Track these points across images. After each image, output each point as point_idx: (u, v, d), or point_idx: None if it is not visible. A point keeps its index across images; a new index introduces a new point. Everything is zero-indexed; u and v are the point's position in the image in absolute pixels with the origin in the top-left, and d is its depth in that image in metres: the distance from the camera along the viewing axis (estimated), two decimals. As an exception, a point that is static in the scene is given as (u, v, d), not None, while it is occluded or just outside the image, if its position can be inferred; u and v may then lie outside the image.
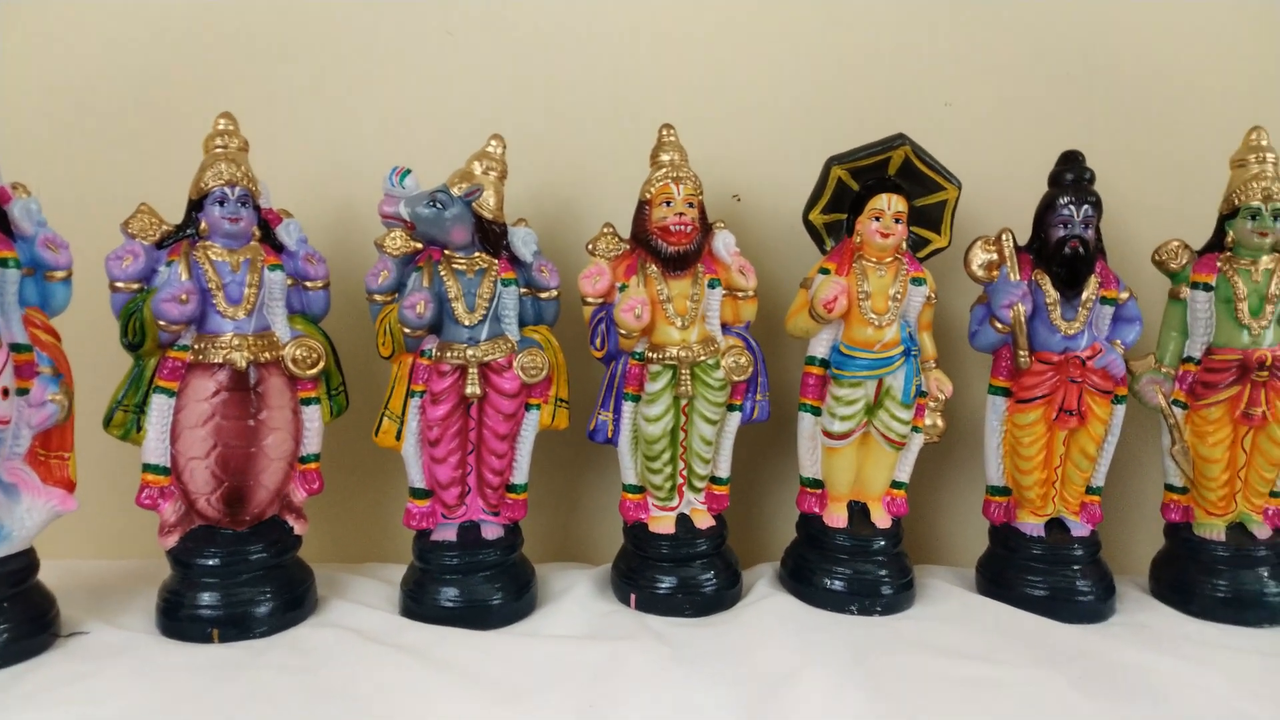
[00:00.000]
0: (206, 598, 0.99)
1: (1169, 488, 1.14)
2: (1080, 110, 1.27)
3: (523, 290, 1.08)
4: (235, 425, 1.01)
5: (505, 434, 1.06)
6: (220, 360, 0.99)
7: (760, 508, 1.33)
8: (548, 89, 1.28)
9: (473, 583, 1.04)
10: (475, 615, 1.02)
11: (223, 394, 1.00)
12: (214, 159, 1.03)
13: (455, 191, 1.05)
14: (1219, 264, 1.09)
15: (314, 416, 1.06)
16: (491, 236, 1.06)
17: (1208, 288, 1.08)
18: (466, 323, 1.04)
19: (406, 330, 1.04)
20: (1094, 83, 1.27)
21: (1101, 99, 1.27)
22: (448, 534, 1.06)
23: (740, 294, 1.12)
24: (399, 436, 1.05)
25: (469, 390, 1.03)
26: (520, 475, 1.09)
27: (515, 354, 1.05)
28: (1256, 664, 0.95)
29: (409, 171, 1.06)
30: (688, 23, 1.28)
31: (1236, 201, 1.08)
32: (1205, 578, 1.09)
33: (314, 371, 1.04)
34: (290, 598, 1.03)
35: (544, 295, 1.10)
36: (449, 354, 1.04)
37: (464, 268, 1.05)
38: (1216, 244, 1.11)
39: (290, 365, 1.03)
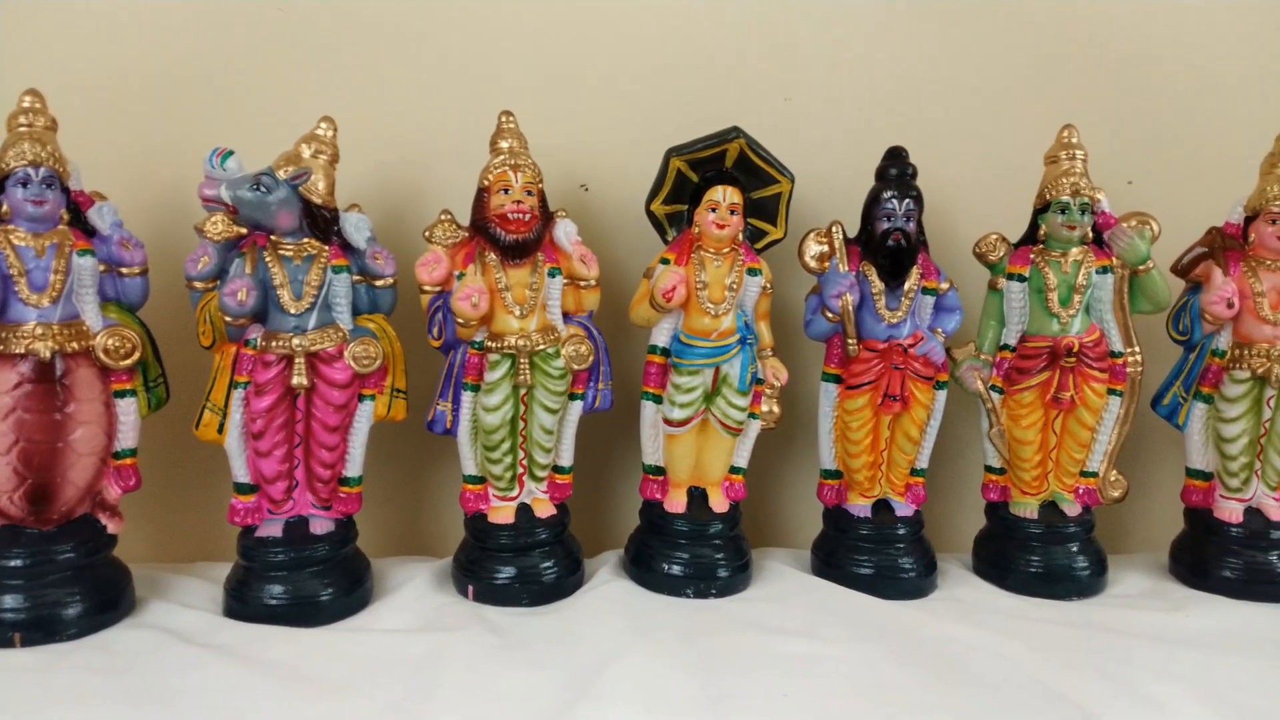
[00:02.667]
0: (9, 600, 0.94)
1: (988, 469, 1.20)
2: (909, 106, 1.32)
3: (356, 278, 1.06)
4: (39, 419, 0.95)
5: (336, 426, 1.04)
6: (22, 350, 0.94)
7: (611, 495, 1.34)
8: (389, 72, 1.25)
9: (300, 579, 1.01)
10: (303, 612, 1.00)
11: (25, 386, 0.95)
12: (17, 138, 0.97)
13: (281, 175, 1.01)
14: (1032, 256, 1.15)
15: (129, 410, 1.01)
16: (321, 222, 1.03)
17: (1021, 279, 1.14)
18: (293, 311, 1.01)
19: (227, 319, 1.00)
20: (923, 79, 1.32)
21: (930, 96, 1.32)
22: (273, 530, 1.03)
23: (582, 283, 1.13)
24: (221, 430, 1.01)
25: (295, 381, 1.00)
26: (354, 468, 1.06)
27: (347, 343, 1.03)
28: (1060, 634, 1.01)
29: (231, 153, 1.02)
30: (534, 10, 1.28)
31: (1048, 196, 1.13)
32: (1020, 554, 1.16)
33: (128, 362, 0.99)
34: (102, 599, 0.98)
35: (379, 283, 1.07)
36: (274, 343, 1.00)
37: (291, 254, 1.02)
38: (1031, 237, 1.16)
39: (102, 356, 0.98)
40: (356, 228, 1.05)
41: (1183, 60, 1.34)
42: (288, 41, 1.22)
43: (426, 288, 1.07)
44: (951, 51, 1.32)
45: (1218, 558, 1.16)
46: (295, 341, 1.00)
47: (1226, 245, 1.16)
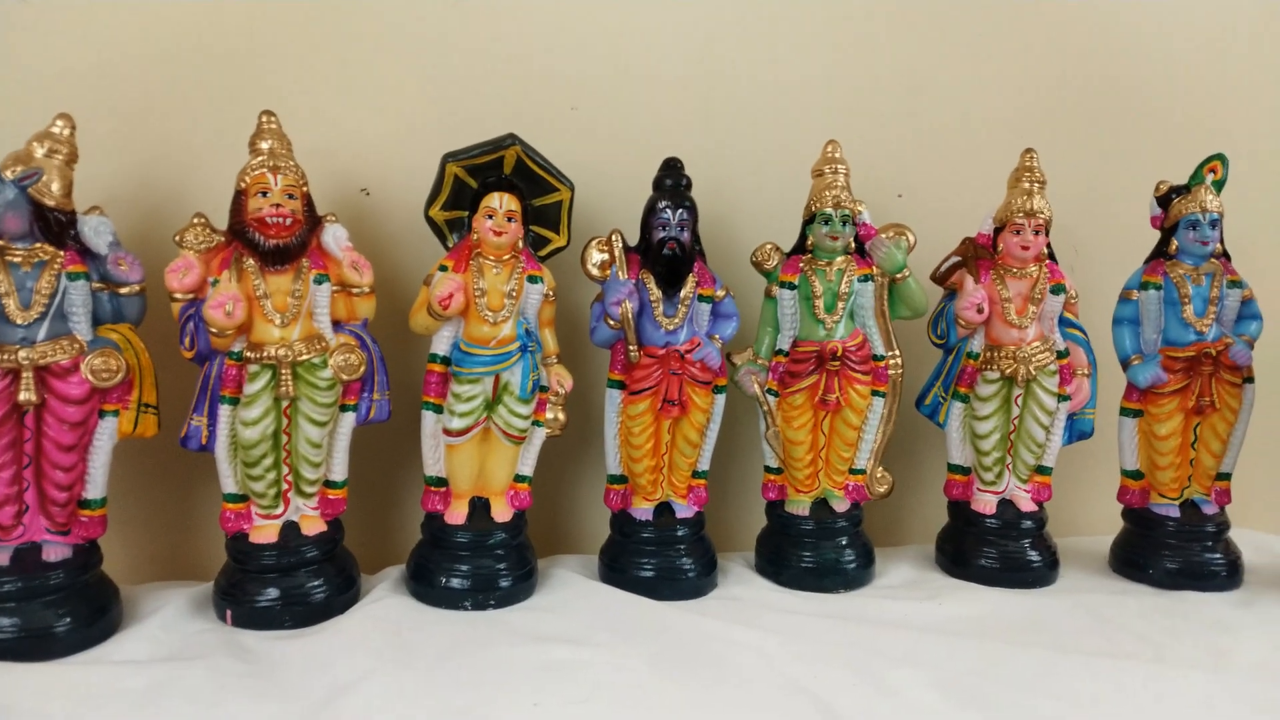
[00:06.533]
0: None
1: (767, 469, 1.24)
2: (694, 117, 1.35)
3: (97, 285, 0.99)
4: None
5: (72, 445, 0.96)
6: None
7: (397, 508, 1.31)
8: (147, 65, 1.18)
9: (31, 610, 0.93)
10: (35, 646, 0.92)
11: None
12: None
13: (8, 175, 0.94)
14: (801, 265, 1.19)
15: None
16: (54, 225, 0.96)
17: (791, 286, 1.19)
18: (19, 321, 0.93)
19: (-57, 331, 0.92)
20: (707, 91, 1.36)
21: (714, 106, 1.36)
22: (0, 558, 0.95)
23: (355, 290, 1.09)
24: (-63, 452, 0.93)
25: (22, 397, 0.93)
26: (95, 489, 0.99)
27: (84, 355, 0.96)
28: (818, 627, 1.05)
29: (-51, 151, 0.94)
30: (313, 10, 1.23)
31: (814, 208, 1.19)
32: (794, 550, 1.20)
33: None
34: None
35: (124, 291, 1.01)
36: (-2, 357, 0.93)
37: (19, 260, 0.94)
38: (800, 247, 1.21)
39: None
40: (96, 231, 0.99)
41: (943, 83, 1.43)
42: (31, 32, 1.13)
43: (177, 295, 1.01)
44: (734, 64, 1.36)
45: (975, 547, 1.24)
46: (22, 354, 0.93)
47: (978, 254, 1.24)
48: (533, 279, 1.13)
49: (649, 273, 1.15)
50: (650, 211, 1.15)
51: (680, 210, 1.14)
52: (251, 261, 1.02)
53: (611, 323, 1.14)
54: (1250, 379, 1.25)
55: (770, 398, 1.21)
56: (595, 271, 1.16)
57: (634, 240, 1.18)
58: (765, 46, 1.37)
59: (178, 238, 1.02)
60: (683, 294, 1.15)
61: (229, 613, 1.02)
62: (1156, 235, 1.28)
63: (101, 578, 1.01)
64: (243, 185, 1.03)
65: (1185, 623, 1.11)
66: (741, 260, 1.26)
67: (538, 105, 1.30)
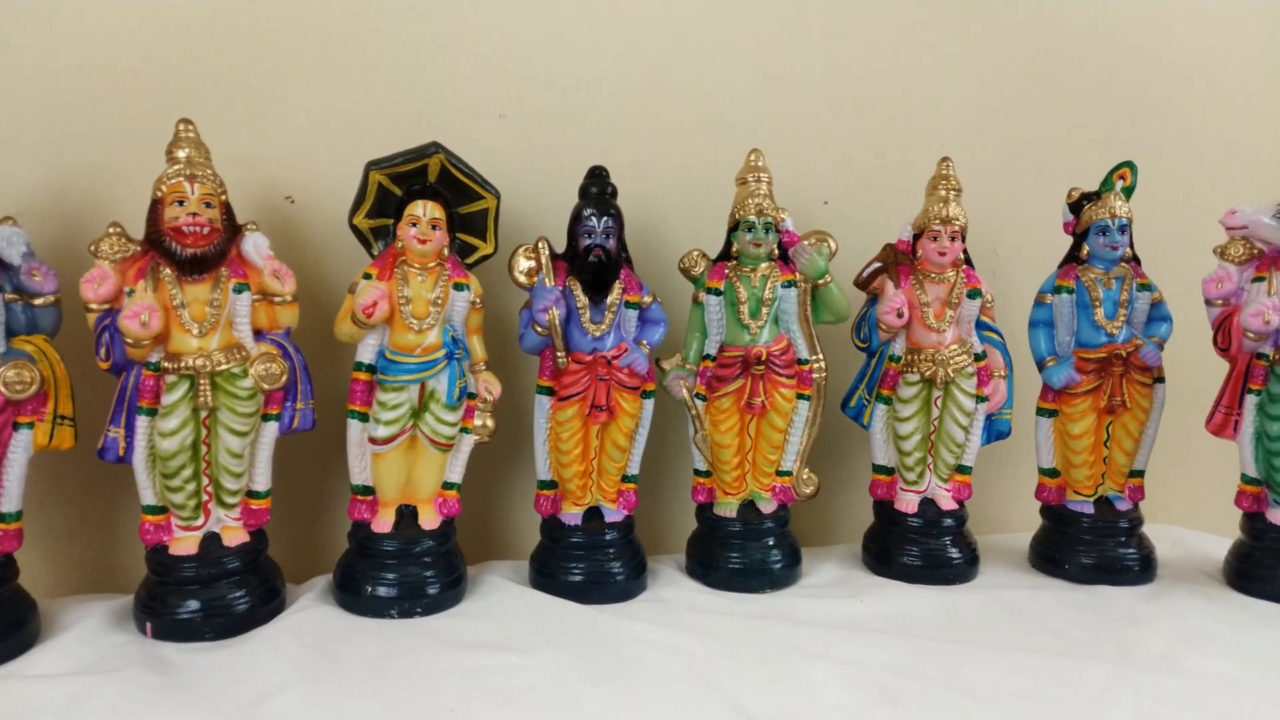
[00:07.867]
0: None
1: (696, 472, 1.26)
2: (622, 125, 1.37)
3: (10, 296, 0.98)
4: None
5: (-16, 458, 0.95)
6: None
7: (326, 517, 1.30)
8: (62, 73, 1.16)
9: (-59, 627, 0.92)
10: (-55, 663, 0.91)
11: None
12: None
13: (-87, 185, 0.92)
14: (727, 271, 1.21)
15: None
16: (-37, 237, 0.95)
17: (717, 293, 1.21)
18: (-73, 334, 0.92)
19: None
20: (635, 98, 1.37)
21: (641, 115, 1.37)
22: (-94, 575, 0.93)
23: (277, 299, 1.09)
24: None
25: (-71, 410, 0.92)
26: (9, 503, 0.97)
27: (-3, 368, 0.95)
28: (741, 627, 1.06)
29: None
30: (233, 16, 1.22)
31: (738, 215, 1.21)
32: (722, 551, 1.22)
33: None
34: None
35: (38, 301, 1.00)
36: (-98, 370, 0.91)
37: (-74, 272, 0.93)
38: (726, 253, 1.23)
39: None
40: (9, 242, 0.97)
41: (866, 93, 1.47)
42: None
43: (92, 306, 1.00)
44: (660, 73, 1.38)
45: (899, 545, 1.27)
46: (-70, 367, 0.91)
47: (898, 260, 1.27)
48: (459, 286, 1.13)
49: (576, 280, 1.16)
50: (576, 219, 1.16)
51: (605, 218, 1.15)
52: (168, 271, 1.02)
53: (539, 329, 1.15)
54: (1161, 379, 1.29)
55: (698, 402, 1.23)
56: (522, 279, 1.17)
57: (561, 248, 1.19)
58: (691, 56, 1.39)
59: (93, 247, 1.01)
60: (609, 300, 1.16)
61: (149, 625, 1.01)
62: (1070, 240, 1.33)
63: (17, 592, 0.99)
64: (159, 194, 1.02)
65: (1096, 616, 1.15)
66: (670, 267, 1.28)
67: (465, 113, 1.30)
